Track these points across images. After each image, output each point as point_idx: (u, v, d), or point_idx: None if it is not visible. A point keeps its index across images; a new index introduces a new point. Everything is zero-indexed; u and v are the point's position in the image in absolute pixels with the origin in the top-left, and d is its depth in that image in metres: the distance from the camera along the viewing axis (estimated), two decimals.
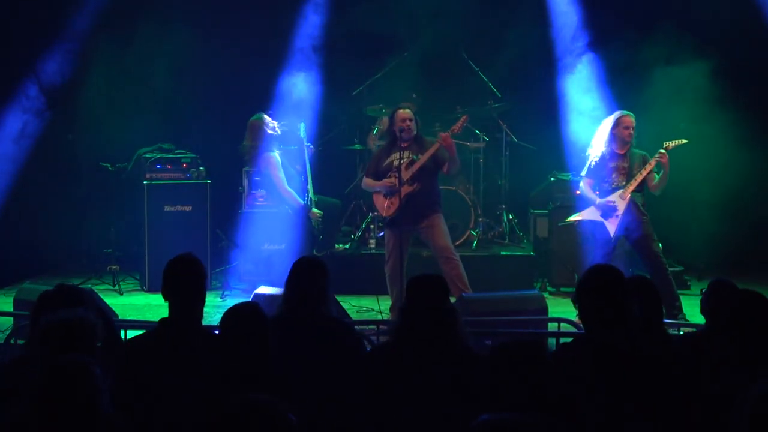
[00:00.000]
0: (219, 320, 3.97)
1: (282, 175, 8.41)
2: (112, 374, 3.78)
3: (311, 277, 4.38)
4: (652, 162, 7.66)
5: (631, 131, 7.73)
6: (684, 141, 7.71)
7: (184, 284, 4.09)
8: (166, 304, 4.14)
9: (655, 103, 9.01)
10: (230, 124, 9.30)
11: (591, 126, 8.37)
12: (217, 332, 4.06)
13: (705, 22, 9.38)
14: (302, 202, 8.39)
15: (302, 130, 8.60)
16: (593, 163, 7.90)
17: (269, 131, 8.45)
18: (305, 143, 8.54)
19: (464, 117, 8.04)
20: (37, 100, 9.21)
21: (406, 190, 7.63)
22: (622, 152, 7.80)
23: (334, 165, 10.08)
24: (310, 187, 8.46)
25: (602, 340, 3.57)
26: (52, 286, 4.42)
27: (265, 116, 8.50)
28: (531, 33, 9.63)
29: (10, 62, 9.26)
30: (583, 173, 8.00)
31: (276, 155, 8.42)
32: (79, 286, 4.38)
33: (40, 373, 3.16)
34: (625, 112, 7.82)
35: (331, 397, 3.79)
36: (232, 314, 3.69)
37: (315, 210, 8.44)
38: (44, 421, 3.12)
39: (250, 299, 6.95)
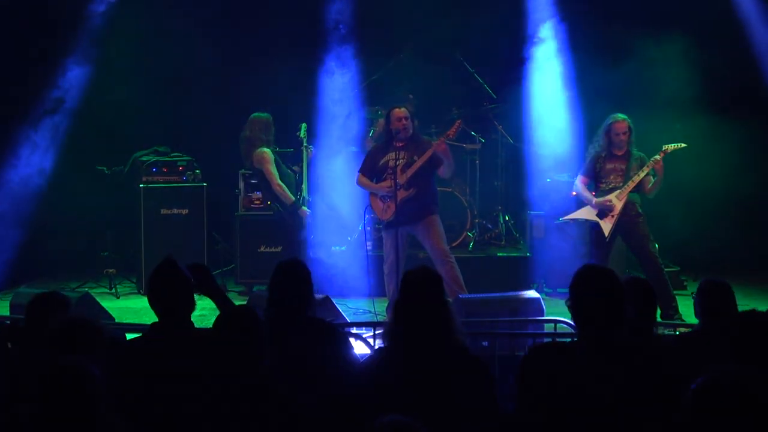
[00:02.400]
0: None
1: (274, 170, 8.43)
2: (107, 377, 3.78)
3: (292, 279, 4.38)
4: (647, 167, 7.66)
5: (623, 137, 7.72)
6: (683, 145, 7.69)
7: (168, 289, 4.04)
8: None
9: (651, 102, 9.01)
10: (226, 127, 9.30)
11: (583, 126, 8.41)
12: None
13: (703, 22, 9.39)
14: (293, 198, 8.40)
15: (303, 130, 8.59)
16: (590, 162, 7.91)
17: (264, 135, 8.48)
18: (305, 144, 8.54)
19: (458, 121, 8.00)
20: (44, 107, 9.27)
21: (402, 194, 7.61)
22: (621, 153, 7.81)
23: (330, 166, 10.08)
24: (304, 186, 8.47)
25: (596, 341, 3.57)
26: (48, 290, 4.42)
27: (268, 118, 8.54)
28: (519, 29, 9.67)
29: (12, 70, 9.28)
30: (581, 172, 8.01)
31: (269, 151, 8.44)
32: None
33: (40, 375, 3.16)
34: (620, 116, 7.76)
35: (319, 397, 3.79)
36: (225, 316, 3.69)
37: (304, 208, 8.45)
38: (43, 422, 3.13)
39: (247, 302, 6.96)
